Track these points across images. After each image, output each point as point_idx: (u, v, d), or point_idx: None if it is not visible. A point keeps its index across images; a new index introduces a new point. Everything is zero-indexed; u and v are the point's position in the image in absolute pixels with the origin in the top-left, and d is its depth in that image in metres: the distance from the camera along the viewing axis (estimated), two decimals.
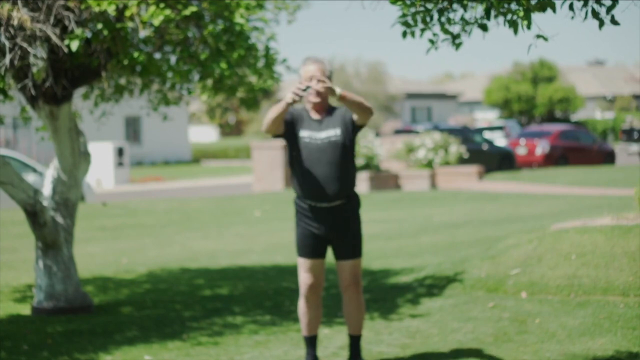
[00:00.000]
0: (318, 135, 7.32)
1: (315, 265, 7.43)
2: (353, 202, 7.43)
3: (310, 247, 7.40)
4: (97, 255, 15.49)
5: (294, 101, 7.07)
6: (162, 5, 9.07)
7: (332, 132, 7.33)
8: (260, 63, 10.42)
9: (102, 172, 36.49)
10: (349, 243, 7.40)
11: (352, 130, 7.39)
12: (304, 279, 7.47)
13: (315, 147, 7.29)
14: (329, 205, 7.28)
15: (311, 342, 7.64)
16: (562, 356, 7.66)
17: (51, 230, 10.02)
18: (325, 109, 7.44)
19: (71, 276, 10.17)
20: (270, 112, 7.19)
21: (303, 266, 7.46)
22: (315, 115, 7.41)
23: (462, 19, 6.81)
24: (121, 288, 11.94)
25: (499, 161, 36.28)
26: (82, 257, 13.88)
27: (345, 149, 7.32)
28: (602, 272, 10.18)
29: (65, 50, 9.13)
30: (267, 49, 10.44)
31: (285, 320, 9.65)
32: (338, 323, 9.45)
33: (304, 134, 7.33)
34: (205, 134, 76.53)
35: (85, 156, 10.37)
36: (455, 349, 8.09)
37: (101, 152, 35.94)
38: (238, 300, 10.90)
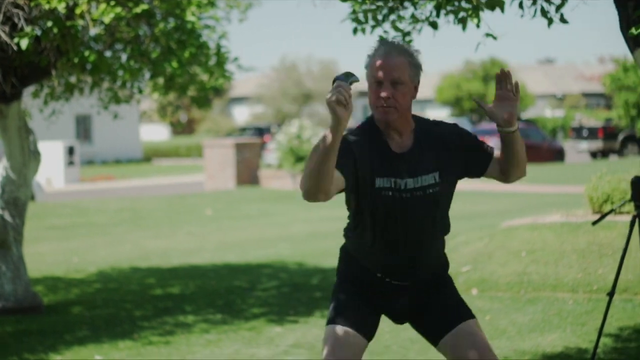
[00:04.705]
0: (403, 182, 4.36)
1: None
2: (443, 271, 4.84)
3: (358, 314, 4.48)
4: (47, 254, 15.36)
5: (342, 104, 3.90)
6: (112, 2, 9.00)
7: (429, 178, 4.40)
8: (212, 61, 10.40)
9: (52, 171, 36.14)
10: (448, 306, 4.58)
11: (462, 172, 4.51)
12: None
13: (400, 202, 4.36)
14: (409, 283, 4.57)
15: None
16: (512, 352, 7.72)
17: (0, 230, 9.92)
18: (410, 125, 4.47)
19: (21, 276, 10.07)
20: (310, 161, 4.00)
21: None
22: (395, 139, 4.41)
23: (413, 16, 6.85)
24: (71, 287, 11.85)
25: None
26: (32, 257, 13.75)
27: (444, 204, 4.53)
28: (552, 268, 10.28)
29: (15, 48, 9.04)
30: (219, 47, 10.42)
31: (237, 319, 9.64)
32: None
33: (381, 182, 4.31)
34: (157, 133, 76.05)
35: (35, 155, 10.27)
36: (405, 347, 8.11)
37: (51, 151, 35.58)
38: (189, 299, 10.87)
